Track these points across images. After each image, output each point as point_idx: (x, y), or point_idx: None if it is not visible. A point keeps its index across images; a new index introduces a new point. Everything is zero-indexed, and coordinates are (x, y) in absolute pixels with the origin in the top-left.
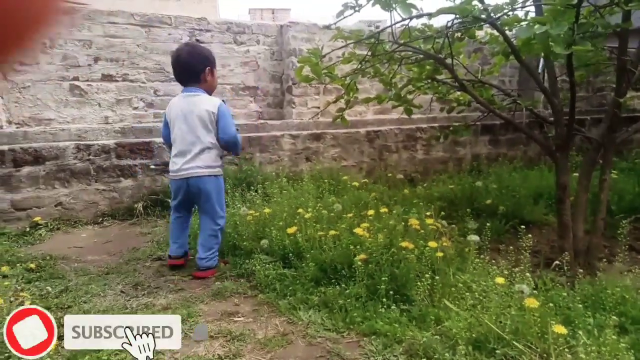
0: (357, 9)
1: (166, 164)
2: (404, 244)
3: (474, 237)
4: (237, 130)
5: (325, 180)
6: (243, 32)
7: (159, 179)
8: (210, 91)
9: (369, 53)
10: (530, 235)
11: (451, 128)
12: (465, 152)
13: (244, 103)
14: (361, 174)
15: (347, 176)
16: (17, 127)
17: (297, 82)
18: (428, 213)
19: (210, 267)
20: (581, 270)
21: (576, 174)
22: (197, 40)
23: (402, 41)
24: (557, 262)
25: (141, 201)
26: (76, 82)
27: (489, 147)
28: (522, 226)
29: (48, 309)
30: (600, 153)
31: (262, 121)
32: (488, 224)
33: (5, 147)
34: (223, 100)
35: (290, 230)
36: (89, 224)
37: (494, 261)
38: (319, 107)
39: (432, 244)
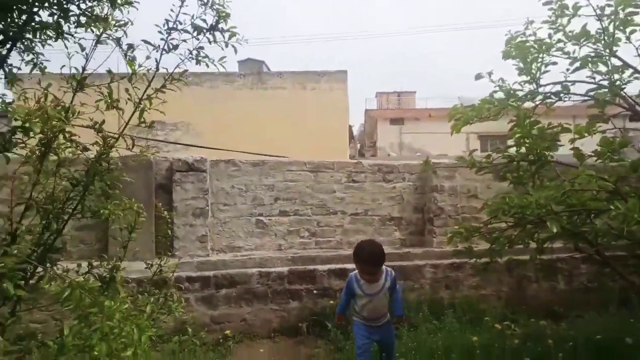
0: None
1: (326, 289)
2: None
3: None
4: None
5: (465, 316)
6: (391, 172)
7: (319, 302)
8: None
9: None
10: None
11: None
12: (614, 282)
13: (389, 232)
14: (500, 303)
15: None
16: (216, 254)
17: (438, 214)
18: None
19: None
20: None
21: None
22: (354, 180)
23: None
24: None
25: (305, 321)
26: (260, 217)
27: None
28: None
29: None
30: None
31: (405, 250)
32: None
33: (211, 274)
34: (352, 278)
35: None
36: (264, 339)
37: None
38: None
39: None
